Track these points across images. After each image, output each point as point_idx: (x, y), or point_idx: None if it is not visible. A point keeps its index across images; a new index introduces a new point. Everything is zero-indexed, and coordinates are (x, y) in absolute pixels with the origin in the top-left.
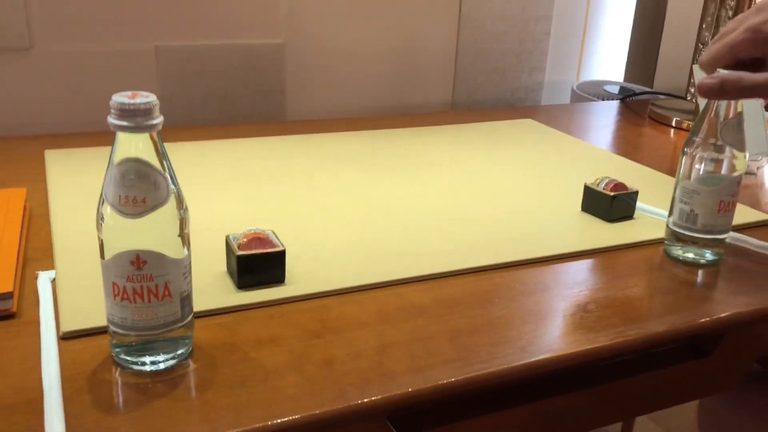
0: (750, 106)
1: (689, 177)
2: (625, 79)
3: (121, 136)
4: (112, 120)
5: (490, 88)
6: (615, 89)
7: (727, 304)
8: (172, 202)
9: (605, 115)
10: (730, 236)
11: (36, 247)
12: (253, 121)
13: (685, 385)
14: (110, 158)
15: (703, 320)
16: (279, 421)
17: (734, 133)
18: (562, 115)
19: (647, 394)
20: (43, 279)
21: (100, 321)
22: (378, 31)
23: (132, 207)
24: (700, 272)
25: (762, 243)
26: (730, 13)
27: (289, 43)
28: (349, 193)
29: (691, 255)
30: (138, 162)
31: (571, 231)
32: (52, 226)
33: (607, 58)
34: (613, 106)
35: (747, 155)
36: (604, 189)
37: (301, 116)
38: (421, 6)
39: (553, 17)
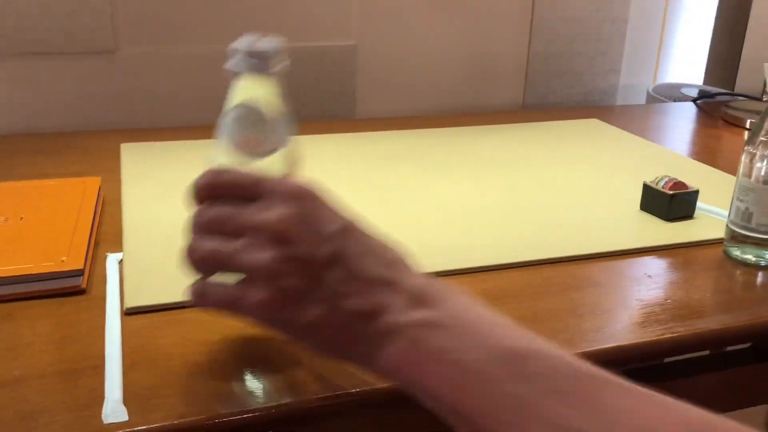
0: None
1: (749, 175)
2: (705, 82)
3: (246, 79)
4: (237, 62)
5: (562, 90)
6: (693, 92)
7: None
8: (289, 145)
9: (676, 117)
10: None
11: (107, 231)
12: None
13: (746, 388)
14: (228, 102)
15: (757, 320)
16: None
17: None
18: (630, 115)
19: (705, 397)
20: (112, 260)
21: (161, 299)
22: (449, 33)
23: (252, 148)
24: (760, 273)
25: None
26: None
27: (361, 45)
28: (407, 188)
29: (749, 256)
30: (257, 105)
31: (627, 229)
32: (123, 212)
33: (687, 61)
34: (686, 107)
35: None
36: (663, 188)
37: (371, 117)
38: (494, 8)
39: (629, 19)
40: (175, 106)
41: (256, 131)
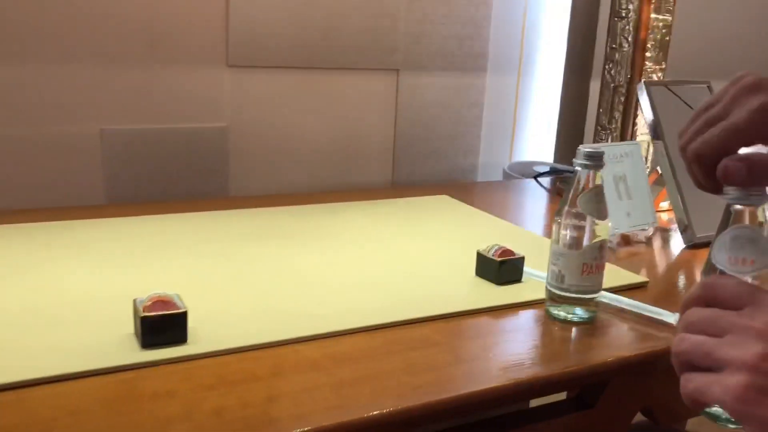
0: (639, 178)
1: (558, 242)
2: (555, 160)
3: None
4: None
5: (427, 169)
6: (543, 169)
7: (597, 353)
8: None
9: (518, 192)
10: (604, 296)
11: None
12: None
13: None
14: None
15: (566, 370)
16: None
17: (593, 203)
18: (480, 191)
19: None
20: None
21: (2, 379)
22: (319, 116)
23: (741, 267)
24: (574, 329)
25: (632, 301)
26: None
27: (232, 127)
28: (262, 263)
29: (562, 313)
30: (754, 228)
31: (462, 293)
32: None
33: (538, 141)
34: (526, 183)
35: (610, 223)
36: (493, 255)
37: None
38: (361, 92)
39: (484, 104)
40: (35, 188)
41: (750, 252)
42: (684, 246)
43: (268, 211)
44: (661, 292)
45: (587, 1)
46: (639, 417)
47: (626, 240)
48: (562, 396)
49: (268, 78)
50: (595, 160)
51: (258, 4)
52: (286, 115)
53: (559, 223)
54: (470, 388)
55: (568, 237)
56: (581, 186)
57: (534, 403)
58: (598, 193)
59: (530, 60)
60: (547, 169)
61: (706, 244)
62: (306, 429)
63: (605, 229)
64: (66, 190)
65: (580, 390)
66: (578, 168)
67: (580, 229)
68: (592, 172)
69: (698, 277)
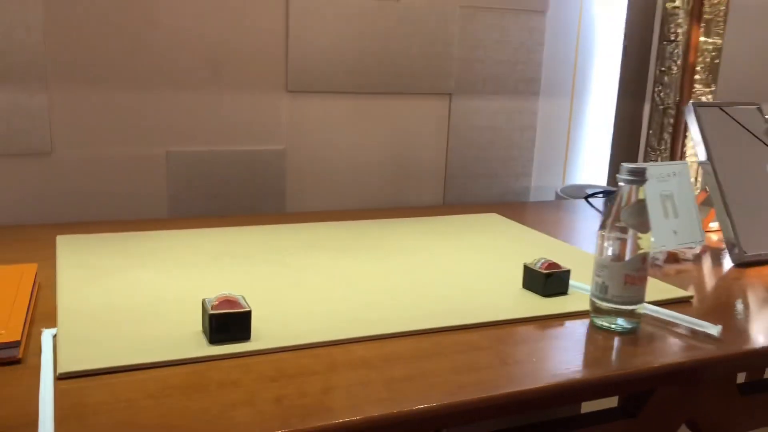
0: (686, 197)
1: (602, 254)
2: (608, 183)
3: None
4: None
5: (479, 191)
6: (596, 190)
7: (639, 360)
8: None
9: (569, 211)
10: (647, 308)
11: (43, 311)
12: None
13: None
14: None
15: (610, 373)
16: None
17: (635, 217)
18: (531, 211)
19: None
20: (47, 334)
21: (90, 365)
22: (373, 139)
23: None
24: (617, 338)
25: (674, 313)
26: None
27: (289, 149)
28: (318, 271)
29: (606, 323)
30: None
31: (509, 303)
32: (58, 294)
33: (592, 164)
34: (578, 203)
35: (653, 237)
36: (539, 268)
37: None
38: (414, 116)
39: (537, 127)
40: (106, 203)
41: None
42: (732, 264)
43: (323, 225)
44: (706, 307)
45: (640, 25)
46: (684, 430)
47: (674, 257)
48: (613, 404)
49: (324, 103)
50: (638, 176)
51: (316, 33)
52: (341, 138)
53: (603, 236)
54: (512, 388)
55: (611, 249)
56: (624, 200)
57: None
58: (640, 207)
59: (583, 84)
60: (598, 190)
61: (756, 263)
62: (358, 417)
63: (648, 242)
64: (134, 206)
65: (625, 399)
66: (621, 183)
67: (623, 241)
68: (634, 187)
69: (741, 293)
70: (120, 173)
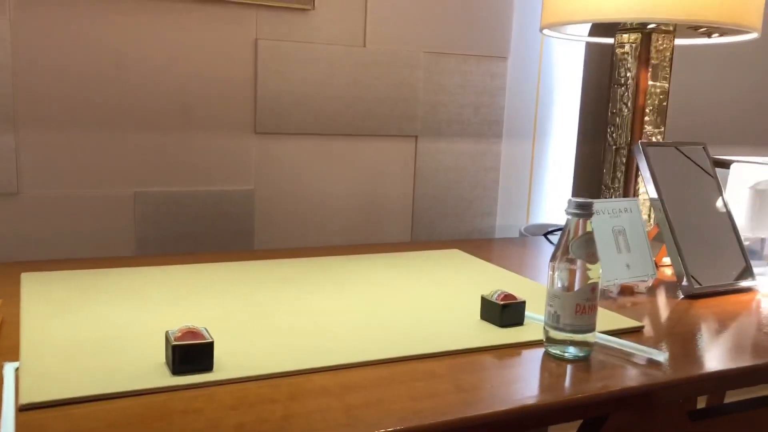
0: (637, 232)
1: (553, 284)
2: None
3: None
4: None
5: (446, 230)
6: (556, 228)
7: (590, 386)
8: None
9: (529, 248)
10: (598, 337)
11: (5, 345)
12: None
13: None
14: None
15: (562, 398)
16: None
17: (583, 248)
18: (494, 247)
19: None
20: (9, 368)
21: (52, 396)
22: (341, 179)
23: (591, 258)
24: (570, 366)
25: (624, 341)
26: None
27: (258, 189)
28: (281, 304)
29: (559, 351)
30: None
31: (466, 333)
32: (21, 329)
33: (555, 203)
34: (539, 240)
35: (601, 269)
36: (496, 299)
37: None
38: (381, 157)
39: (501, 168)
40: (73, 244)
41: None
42: (682, 296)
43: (289, 262)
44: (656, 336)
45: (598, 70)
46: None
47: (628, 290)
48: None
49: (292, 144)
50: (584, 209)
51: (284, 76)
52: (309, 178)
53: (554, 267)
54: (466, 413)
55: (561, 280)
56: (572, 233)
57: None
58: (588, 239)
59: (545, 126)
60: (558, 227)
61: (705, 295)
62: None
63: (596, 272)
64: (102, 247)
65: (581, 427)
66: (569, 216)
67: (573, 272)
68: (581, 220)
69: (690, 323)
70: (87, 214)
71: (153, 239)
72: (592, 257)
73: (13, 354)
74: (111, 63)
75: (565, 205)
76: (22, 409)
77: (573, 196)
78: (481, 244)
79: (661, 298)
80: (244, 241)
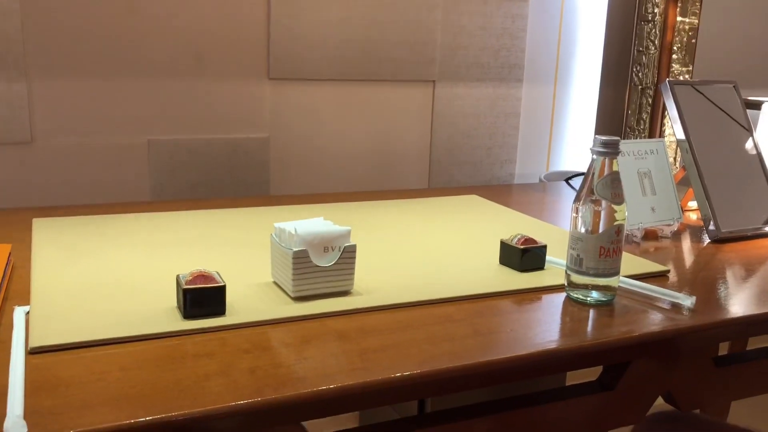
0: (663, 175)
1: (576, 226)
2: None
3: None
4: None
5: (463, 178)
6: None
7: (613, 331)
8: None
9: (549, 193)
10: (622, 281)
11: (16, 290)
12: None
13: (592, 417)
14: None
15: (584, 343)
16: (202, 409)
17: (609, 189)
18: (512, 193)
19: (556, 424)
20: (19, 311)
21: (63, 340)
22: (357, 126)
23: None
24: (593, 310)
25: (649, 285)
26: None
27: (273, 137)
28: None
29: (581, 296)
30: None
31: (484, 278)
32: (32, 273)
33: (576, 150)
34: (560, 186)
35: (626, 210)
36: (515, 243)
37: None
38: (398, 103)
39: (521, 114)
40: (87, 192)
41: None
42: (709, 240)
43: (303, 207)
44: (681, 280)
45: (622, 10)
46: (661, 402)
47: (652, 234)
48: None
49: (308, 90)
50: (610, 147)
51: (298, 20)
52: (325, 125)
53: (578, 209)
54: (484, 357)
55: (585, 221)
56: (597, 172)
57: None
58: (614, 179)
59: (566, 69)
60: (580, 173)
61: (732, 239)
62: (331, 386)
63: (622, 214)
64: (116, 195)
65: (603, 372)
66: (594, 156)
67: (598, 213)
68: (607, 159)
69: (716, 267)
70: (101, 162)
71: (167, 187)
72: (617, 198)
73: (24, 298)
74: (122, 7)
75: (590, 143)
76: (31, 352)
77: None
78: (500, 190)
79: (687, 243)
80: (260, 189)
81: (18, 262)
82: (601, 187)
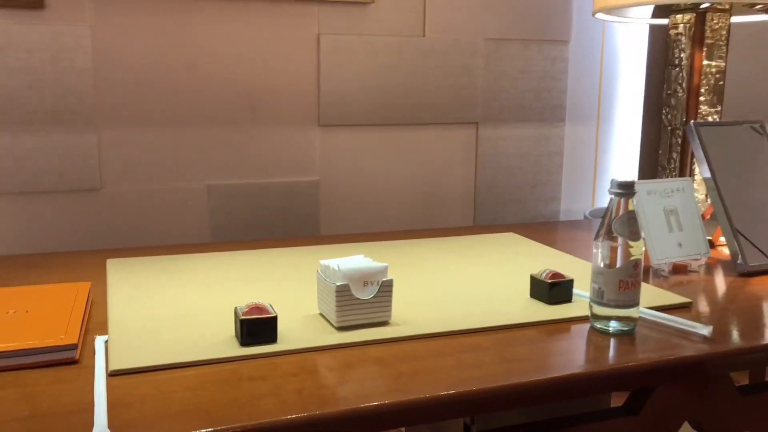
0: (690, 212)
1: (597, 262)
2: None
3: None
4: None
5: (508, 216)
6: None
7: (633, 357)
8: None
9: (586, 230)
10: (642, 311)
11: (95, 322)
12: None
13: None
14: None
15: (603, 368)
16: (255, 422)
17: (625, 227)
18: (550, 231)
19: None
20: (99, 340)
21: (138, 364)
22: (402, 168)
23: (633, 236)
24: (615, 339)
25: (667, 315)
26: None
27: (323, 180)
28: None
29: (603, 326)
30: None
31: (514, 310)
32: (108, 307)
33: None
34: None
35: (644, 246)
36: (544, 278)
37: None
38: (442, 145)
39: (564, 152)
40: (152, 235)
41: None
42: (736, 274)
43: (350, 246)
44: (705, 312)
45: (661, 52)
46: (688, 429)
47: (682, 269)
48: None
49: (355, 135)
50: (625, 189)
51: (345, 69)
52: (372, 168)
53: (598, 245)
54: (508, 381)
55: (604, 257)
56: (614, 212)
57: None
58: (630, 217)
59: (609, 109)
60: None
61: (759, 273)
62: (370, 404)
63: (639, 249)
64: (179, 237)
65: (629, 398)
66: (612, 196)
67: (615, 249)
68: (623, 199)
69: (740, 299)
70: (164, 206)
71: (225, 229)
72: (634, 235)
73: (103, 329)
74: (183, 63)
75: (608, 185)
76: (111, 375)
77: (640, 179)
78: (543, 227)
79: (715, 277)
80: (311, 228)
81: (95, 297)
82: (618, 225)
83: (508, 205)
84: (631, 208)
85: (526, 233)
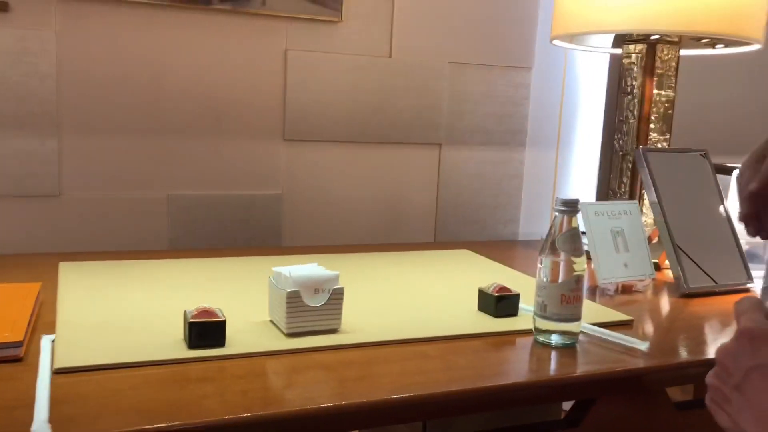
0: (637, 234)
1: (540, 276)
2: None
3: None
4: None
5: (469, 237)
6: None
7: (572, 369)
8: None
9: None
10: (585, 327)
11: (44, 322)
12: None
13: None
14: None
15: (542, 378)
16: (197, 421)
17: (569, 243)
18: (504, 249)
19: None
20: (46, 339)
21: (84, 362)
22: (366, 186)
23: (576, 253)
24: (556, 352)
25: (607, 331)
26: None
27: (286, 194)
28: None
29: (545, 339)
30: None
31: (460, 322)
32: (57, 308)
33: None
34: None
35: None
36: (492, 291)
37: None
38: (405, 165)
39: (524, 176)
40: (110, 243)
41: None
42: (678, 295)
43: (311, 257)
44: (645, 329)
45: (616, 83)
46: None
47: (627, 289)
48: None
49: (320, 151)
50: (570, 206)
51: (312, 86)
52: (336, 184)
53: (542, 260)
54: (449, 388)
55: (548, 272)
56: (557, 228)
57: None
58: (573, 233)
59: (568, 135)
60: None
61: (700, 294)
62: (313, 407)
63: (581, 265)
64: (136, 245)
65: (570, 410)
66: (556, 213)
67: (557, 264)
68: (566, 216)
69: (678, 318)
70: (123, 215)
71: (184, 240)
72: (577, 251)
73: (50, 329)
74: (148, 73)
75: (554, 203)
76: (56, 372)
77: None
78: (495, 246)
79: (659, 297)
80: (273, 242)
81: (45, 298)
82: (562, 241)
83: (468, 225)
84: (574, 225)
85: (482, 251)
